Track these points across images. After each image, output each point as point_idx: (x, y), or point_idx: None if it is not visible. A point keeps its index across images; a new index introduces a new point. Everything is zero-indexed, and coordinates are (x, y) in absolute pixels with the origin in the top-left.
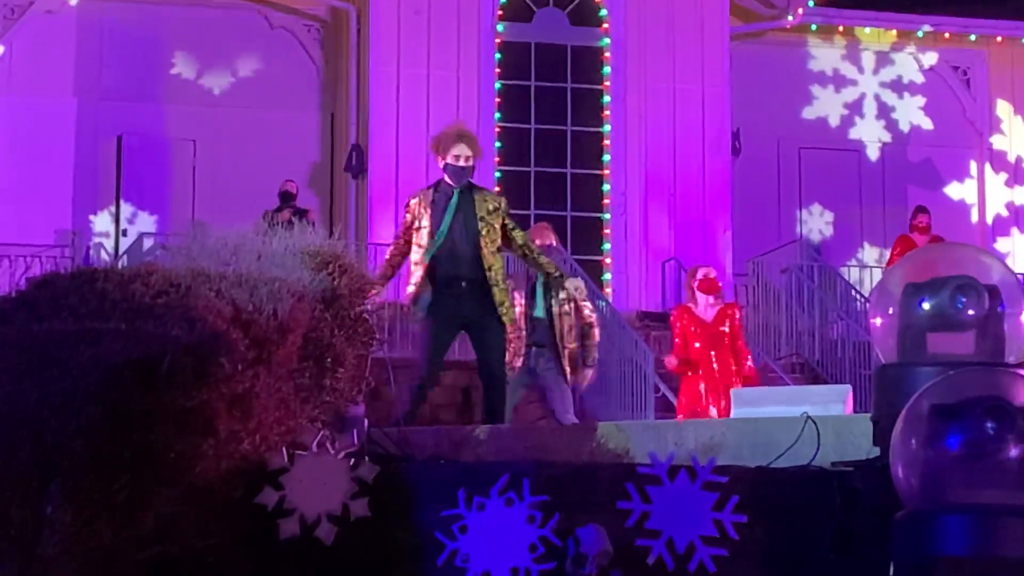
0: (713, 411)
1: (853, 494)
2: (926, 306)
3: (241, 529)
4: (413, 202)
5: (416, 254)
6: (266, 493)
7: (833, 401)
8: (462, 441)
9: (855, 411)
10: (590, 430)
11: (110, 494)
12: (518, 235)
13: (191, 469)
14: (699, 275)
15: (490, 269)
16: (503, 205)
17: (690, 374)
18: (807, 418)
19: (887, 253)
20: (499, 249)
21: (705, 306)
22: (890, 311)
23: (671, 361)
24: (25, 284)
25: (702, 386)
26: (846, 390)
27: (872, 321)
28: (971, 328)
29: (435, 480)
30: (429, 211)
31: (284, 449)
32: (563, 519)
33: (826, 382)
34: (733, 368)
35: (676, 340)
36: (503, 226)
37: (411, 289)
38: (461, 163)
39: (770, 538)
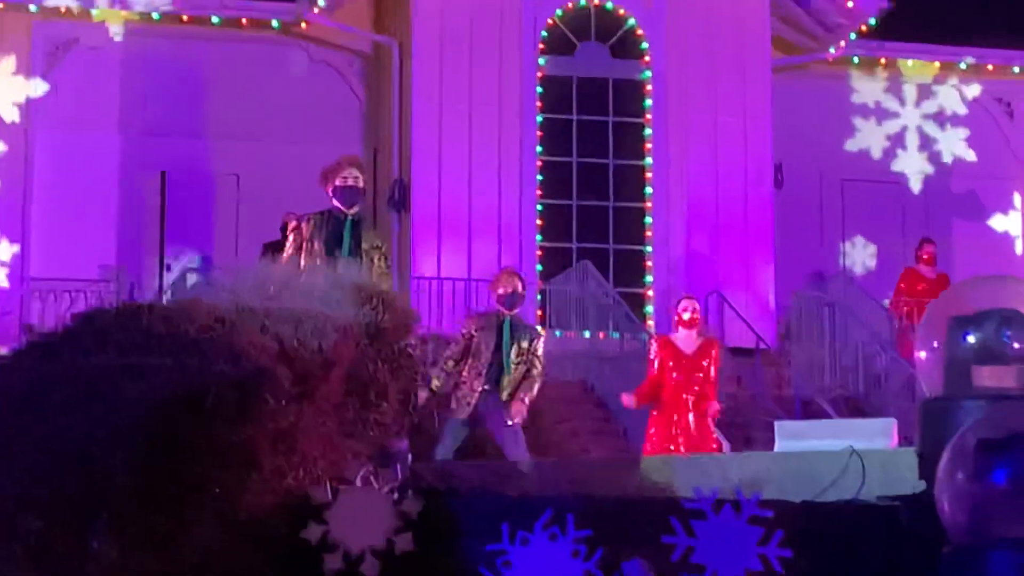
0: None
1: (899, 528)
2: (971, 339)
3: (286, 563)
4: None
5: None
6: (310, 528)
7: (878, 435)
8: (505, 475)
9: (900, 445)
10: (634, 464)
11: (155, 527)
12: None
13: (235, 503)
14: (680, 310)
15: None
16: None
17: (654, 412)
18: (852, 452)
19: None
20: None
21: (687, 339)
22: (935, 344)
23: (629, 399)
24: (71, 319)
25: (674, 417)
26: (891, 424)
27: (917, 354)
28: (1017, 361)
29: (479, 514)
30: None
31: (328, 483)
32: (607, 553)
33: (871, 416)
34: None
35: (650, 370)
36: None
37: None
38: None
39: (815, 573)
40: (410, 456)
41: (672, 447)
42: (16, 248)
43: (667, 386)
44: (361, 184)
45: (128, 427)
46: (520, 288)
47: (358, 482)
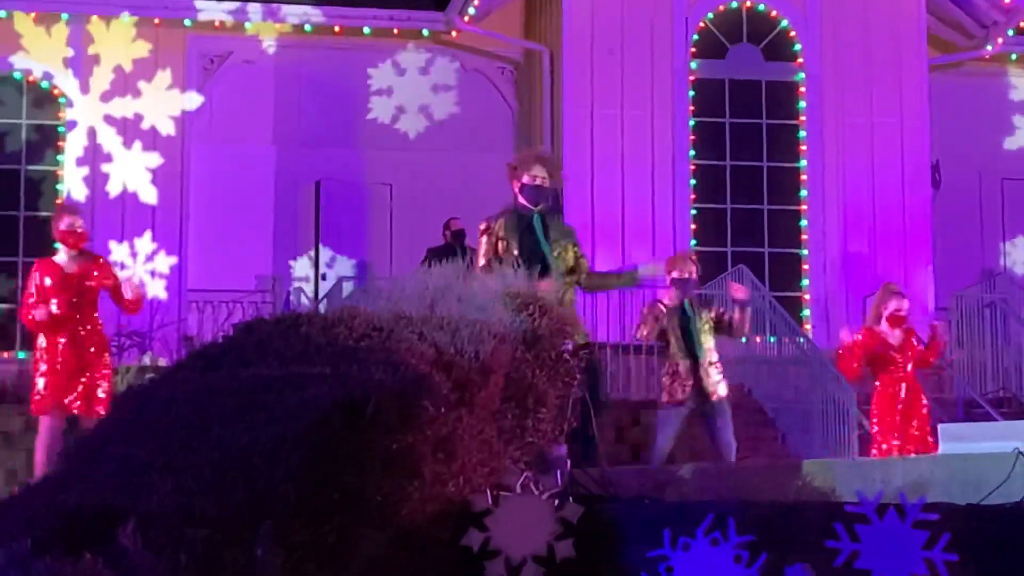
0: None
1: None
2: None
3: (447, 571)
4: None
5: None
6: (471, 535)
7: None
8: (665, 481)
9: None
10: (795, 468)
11: (319, 537)
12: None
13: (397, 512)
14: (892, 307)
15: None
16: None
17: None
18: (1018, 454)
19: None
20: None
21: (891, 333)
22: None
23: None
24: (231, 329)
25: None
26: None
27: None
28: None
29: (639, 520)
30: None
31: (488, 491)
32: (771, 559)
33: None
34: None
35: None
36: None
37: None
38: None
39: None
40: (569, 462)
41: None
42: (174, 260)
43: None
44: (548, 183)
45: (290, 437)
46: (694, 274)
47: (518, 489)
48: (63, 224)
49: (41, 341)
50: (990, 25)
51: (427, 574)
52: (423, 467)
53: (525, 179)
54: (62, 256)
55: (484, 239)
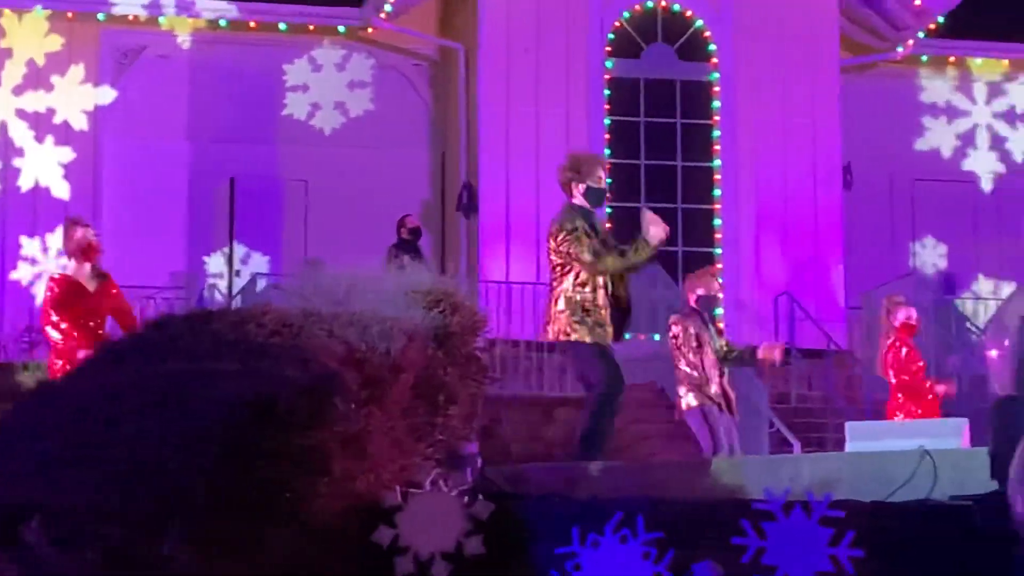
0: None
1: (971, 529)
2: None
3: (357, 568)
4: None
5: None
6: (381, 531)
7: (950, 435)
8: (575, 478)
9: (972, 445)
10: (704, 466)
11: (229, 533)
12: None
13: (308, 508)
14: (901, 317)
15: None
16: None
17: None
18: (924, 452)
19: (1002, 285)
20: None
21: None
22: (1005, 343)
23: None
24: (141, 326)
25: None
26: (963, 423)
27: (987, 353)
28: None
29: (549, 517)
30: None
31: (398, 487)
32: (678, 556)
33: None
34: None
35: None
36: None
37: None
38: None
39: (887, 574)
40: (480, 459)
41: None
42: None
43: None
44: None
45: (199, 433)
46: (719, 291)
47: (428, 486)
48: (78, 235)
49: (57, 361)
50: (902, 27)
51: (337, 570)
52: (333, 464)
53: (590, 181)
54: (77, 270)
55: (577, 238)
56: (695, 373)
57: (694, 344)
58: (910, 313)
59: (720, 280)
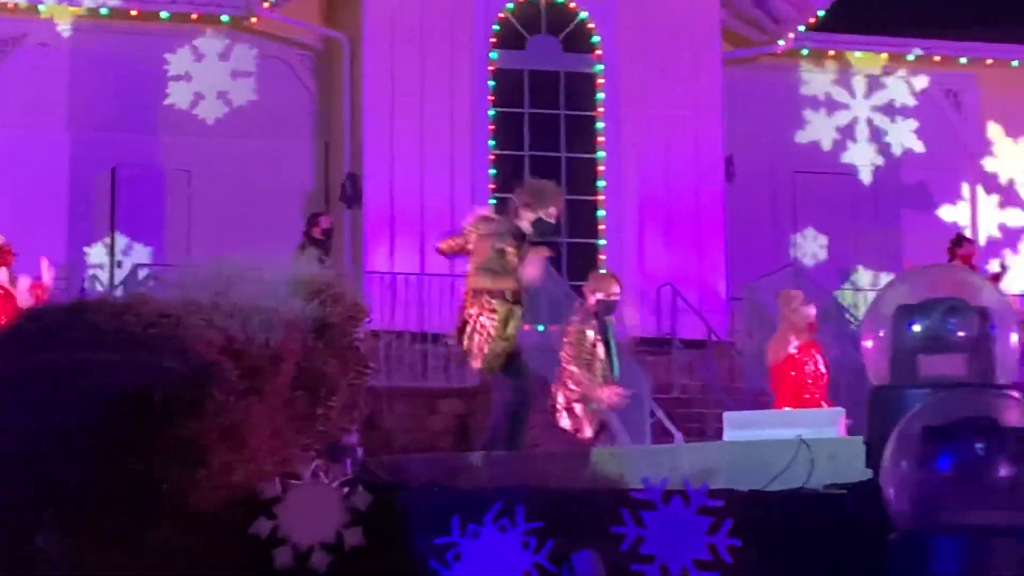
0: None
1: (846, 516)
2: (917, 328)
3: (236, 559)
4: None
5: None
6: (260, 523)
7: (826, 424)
8: (456, 469)
9: (849, 434)
10: (585, 456)
11: (105, 524)
12: None
13: (185, 499)
14: (806, 314)
15: None
16: None
17: None
18: (801, 441)
19: (881, 276)
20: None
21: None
22: (881, 333)
23: None
24: (17, 317)
25: None
26: (839, 413)
27: (864, 343)
28: (962, 350)
29: (429, 508)
30: None
31: (278, 479)
32: (557, 545)
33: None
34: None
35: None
36: None
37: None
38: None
39: (764, 561)
40: (360, 450)
41: None
42: None
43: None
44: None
45: (75, 424)
46: (618, 296)
47: (308, 476)
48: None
49: None
50: (783, 20)
51: (216, 561)
52: (212, 455)
53: (542, 214)
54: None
55: (483, 225)
56: (583, 379)
57: (588, 347)
58: (810, 312)
59: (617, 286)
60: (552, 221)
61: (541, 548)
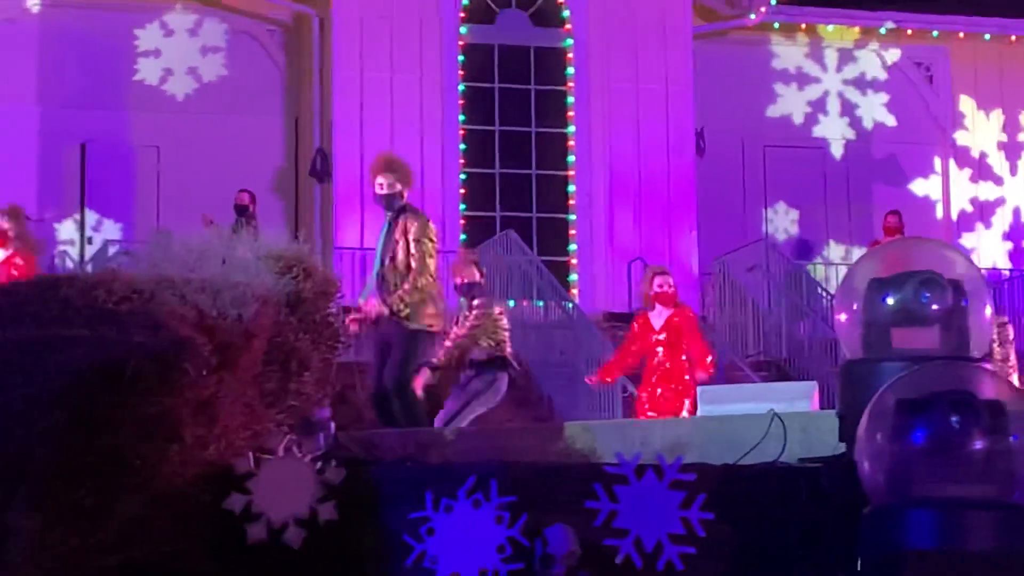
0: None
1: (820, 491)
2: (890, 301)
3: (209, 534)
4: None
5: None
6: (233, 498)
7: (799, 398)
8: (429, 443)
9: (822, 407)
10: (557, 431)
11: (75, 500)
12: None
13: (157, 474)
14: (657, 286)
15: None
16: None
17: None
18: (773, 415)
19: (852, 250)
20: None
21: (660, 312)
22: (854, 307)
23: (591, 379)
24: None
25: (658, 391)
26: (812, 387)
27: (837, 317)
28: (935, 323)
29: (402, 482)
30: None
31: (250, 454)
32: (531, 520)
33: (793, 379)
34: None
35: (629, 346)
36: None
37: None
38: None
39: (738, 535)
40: (333, 425)
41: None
42: None
43: (649, 360)
44: (385, 190)
45: (46, 400)
46: (479, 277)
47: (280, 452)
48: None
49: None
50: None
51: (189, 537)
52: (184, 430)
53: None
54: None
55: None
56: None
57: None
58: (663, 281)
59: (482, 268)
60: (375, 191)
61: (515, 523)
